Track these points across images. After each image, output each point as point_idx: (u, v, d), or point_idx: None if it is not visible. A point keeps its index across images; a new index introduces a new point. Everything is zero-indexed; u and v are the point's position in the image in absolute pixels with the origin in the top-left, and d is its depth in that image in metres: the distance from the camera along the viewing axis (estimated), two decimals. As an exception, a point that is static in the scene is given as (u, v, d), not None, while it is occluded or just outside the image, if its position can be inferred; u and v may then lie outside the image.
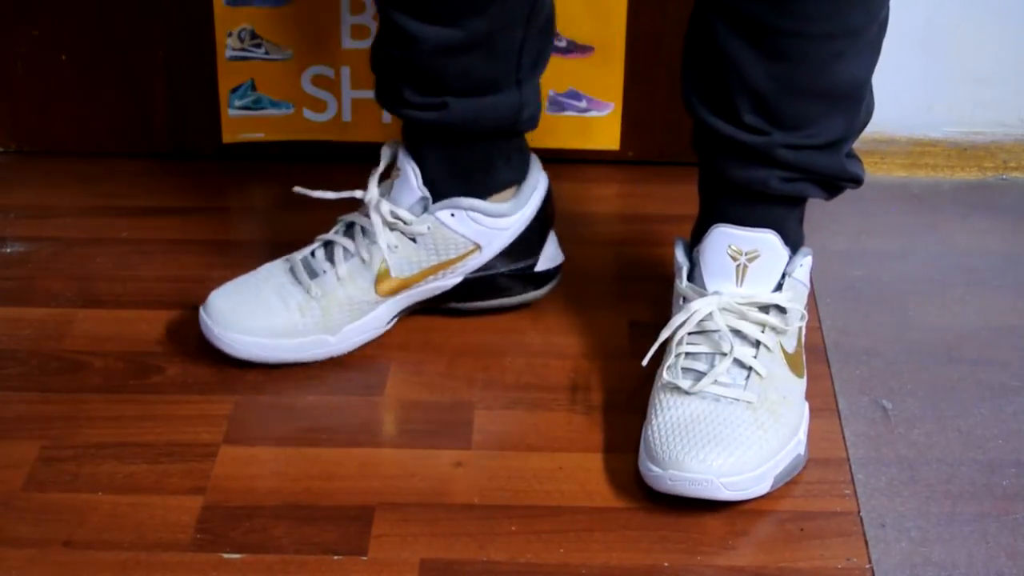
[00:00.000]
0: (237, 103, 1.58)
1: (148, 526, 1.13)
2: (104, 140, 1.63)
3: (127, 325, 1.36)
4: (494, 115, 1.28)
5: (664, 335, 1.21)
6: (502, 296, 1.35)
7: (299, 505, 1.15)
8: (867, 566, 1.10)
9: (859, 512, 1.15)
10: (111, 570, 1.09)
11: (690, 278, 1.24)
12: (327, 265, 1.29)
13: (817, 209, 1.54)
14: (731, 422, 1.14)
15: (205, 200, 1.57)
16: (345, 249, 1.29)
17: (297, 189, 1.32)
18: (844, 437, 1.22)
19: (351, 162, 1.60)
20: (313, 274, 1.29)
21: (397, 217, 1.28)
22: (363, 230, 1.29)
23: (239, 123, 1.59)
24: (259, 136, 1.60)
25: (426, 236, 1.29)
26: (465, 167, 1.30)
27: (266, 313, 1.27)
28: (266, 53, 1.56)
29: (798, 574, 1.09)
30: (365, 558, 1.10)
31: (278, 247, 1.46)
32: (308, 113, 1.58)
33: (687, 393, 1.17)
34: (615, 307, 1.38)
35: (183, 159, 1.63)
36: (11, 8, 1.57)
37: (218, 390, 1.27)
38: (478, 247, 1.31)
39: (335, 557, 1.10)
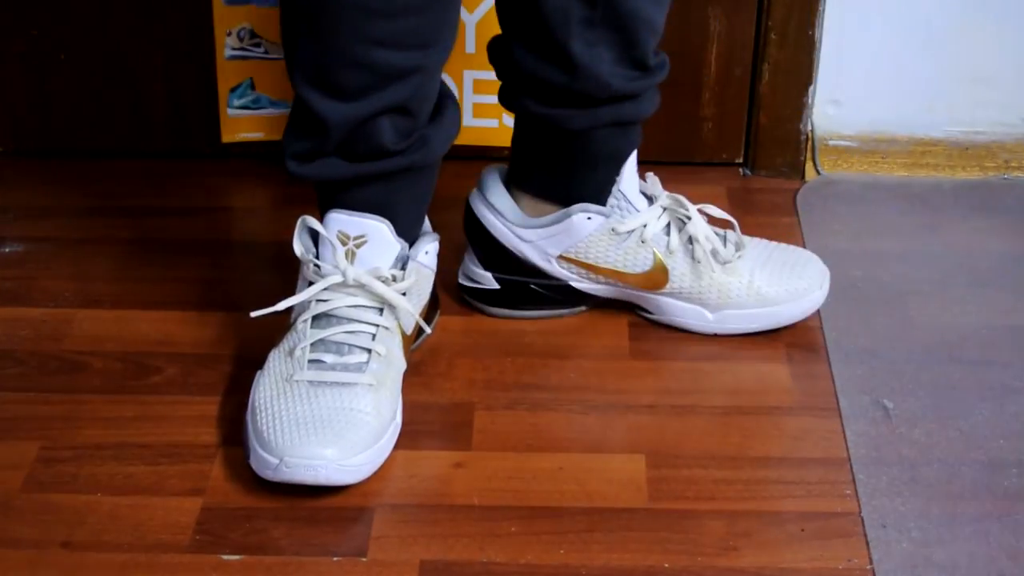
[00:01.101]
0: (236, 102, 1.58)
1: (147, 527, 1.12)
2: (104, 140, 1.63)
3: (127, 325, 1.36)
4: (455, 128, 1.27)
5: None
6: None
7: (298, 506, 1.14)
8: (868, 567, 1.09)
9: (860, 512, 1.15)
10: (110, 571, 1.09)
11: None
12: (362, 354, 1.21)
13: (817, 209, 1.54)
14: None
15: (205, 200, 1.57)
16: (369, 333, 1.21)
17: (254, 314, 1.22)
18: (845, 437, 1.22)
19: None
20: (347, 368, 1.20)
21: (389, 279, 1.22)
22: (366, 308, 1.22)
23: (238, 123, 1.59)
24: (258, 136, 1.60)
25: (413, 285, 1.25)
26: (425, 198, 1.28)
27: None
28: (265, 52, 1.56)
29: (799, 575, 1.09)
30: (365, 559, 1.10)
31: (278, 247, 1.46)
32: (308, 113, 1.57)
33: None
34: (615, 307, 1.38)
35: (183, 159, 1.63)
36: (11, 8, 1.57)
37: (218, 391, 1.27)
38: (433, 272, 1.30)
39: (335, 558, 1.10)
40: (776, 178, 1.60)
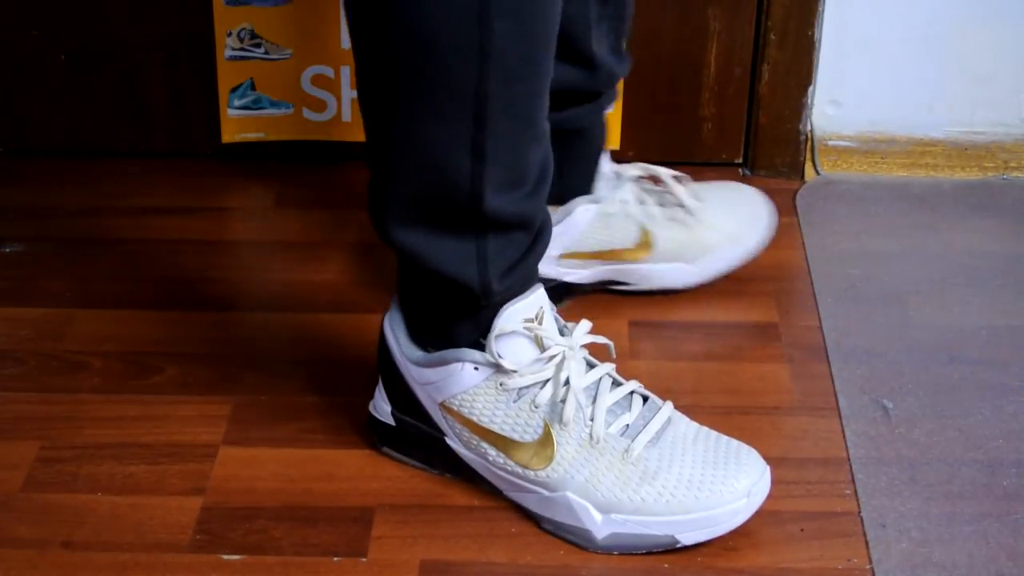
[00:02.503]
0: (236, 103, 1.58)
1: (147, 527, 1.12)
2: (104, 140, 1.63)
3: (127, 325, 1.36)
4: None
5: None
6: None
7: (299, 506, 1.15)
8: (867, 567, 1.09)
9: (859, 512, 1.15)
10: (110, 571, 1.09)
11: None
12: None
13: (817, 209, 1.54)
14: None
15: (205, 200, 1.57)
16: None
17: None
18: (845, 437, 1.22)
19: (351, 162, 1.60)
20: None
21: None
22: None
23: (238, 123, 1.59)
24: (259, 136, 1.60)
25: None
26: None
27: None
28: (266, 53, 1.56)
29: (799, 575, 1.09)
30: (365, 560, 1.10)
31: (278, 247, 1.46)
32: (308, 113, 1.58)
33: None
34: (615, 307, 1.38)
35: (183, 159, 1.63)
36: (11, 8, 1.57)
37: (218, 390, 1.27)
38: None
39: (335, 559, 1.10)
40: (775, 178, 1.60)
